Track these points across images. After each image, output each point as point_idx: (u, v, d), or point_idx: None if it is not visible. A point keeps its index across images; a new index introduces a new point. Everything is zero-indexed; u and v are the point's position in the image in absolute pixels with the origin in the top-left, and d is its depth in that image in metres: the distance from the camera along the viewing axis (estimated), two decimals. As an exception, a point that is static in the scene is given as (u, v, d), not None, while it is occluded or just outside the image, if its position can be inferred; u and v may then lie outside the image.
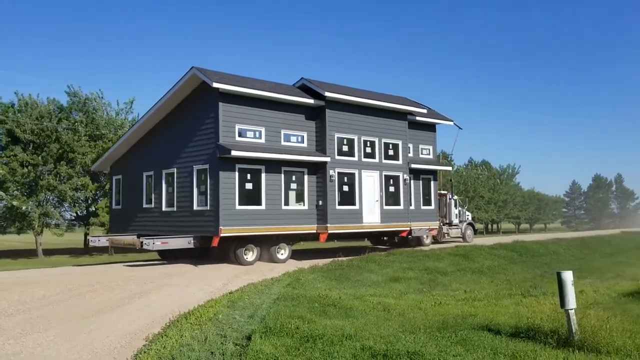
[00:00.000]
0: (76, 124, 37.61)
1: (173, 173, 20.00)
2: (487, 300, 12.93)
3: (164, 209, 20.47)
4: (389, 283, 15.70)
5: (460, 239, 28.76)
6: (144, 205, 21.60)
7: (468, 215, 30.46)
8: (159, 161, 20.84)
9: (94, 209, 39.70)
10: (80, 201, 39.42)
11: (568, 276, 7.83)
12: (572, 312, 7.68)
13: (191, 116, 19.45)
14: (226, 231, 17.61)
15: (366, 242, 28.16)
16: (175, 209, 19.88)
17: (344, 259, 19.26)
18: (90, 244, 21.77)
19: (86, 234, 41.56)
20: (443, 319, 9.88)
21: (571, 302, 7.67)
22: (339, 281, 15.24)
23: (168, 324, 9.15)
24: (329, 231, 20.03)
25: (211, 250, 18.98)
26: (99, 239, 21.38)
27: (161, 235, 19.03)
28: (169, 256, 20.21)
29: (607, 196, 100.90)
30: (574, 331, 7.59)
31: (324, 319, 9.53)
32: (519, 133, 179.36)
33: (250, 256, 18.61)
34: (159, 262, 19.89)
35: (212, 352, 7.40)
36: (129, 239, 20.15)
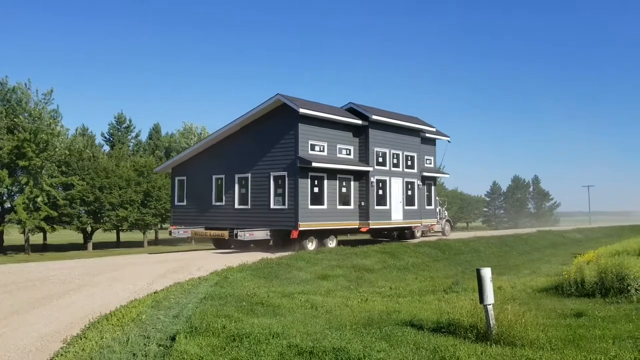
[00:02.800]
0: None
1: (247, 177, 24.35)
2: (411, 297, 13.28)
3: (236, 206, 24.65)
4: (318, 281, 15.80)
5: (440, 233, 33.45)
6: (214, 203, 25.68)
7: (446, 213, 35.57)
8: (231, 167, 25.05)
9: (10, 205, 37.63)
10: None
11: (487, 273, 8.14)
12: (490, 307, 7.99)
13: (269, 132, 23.64)
14: (303, 226, 22.24)
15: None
16: (249, 206, 24.13)
17: (274, 256, 19.23)
18: (172, 235, 26.26)
19: (0, 232, 39.36)
20: (369, 315, 10.06)
21: (489, 297, 7.98)
22: (268, 279, 15.19)
23: (88, 326, 8.80)
24: (370, 226, 25.05)
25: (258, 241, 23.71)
26: (179, 231, 25.58)
27: (230, 227, 23.55)
28: (237, 246, 24.66)
29: (525, 196, 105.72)
30: (491, 325, 7.90)
31: (251, 317, 9.48)
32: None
33: (310, 245, 22.94)
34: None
35: (134, 354, 7.19)
36: (216, 231, 24.24)
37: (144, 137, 76.67)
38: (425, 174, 29.23)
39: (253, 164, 24.20)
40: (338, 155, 24.34)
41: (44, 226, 38.15)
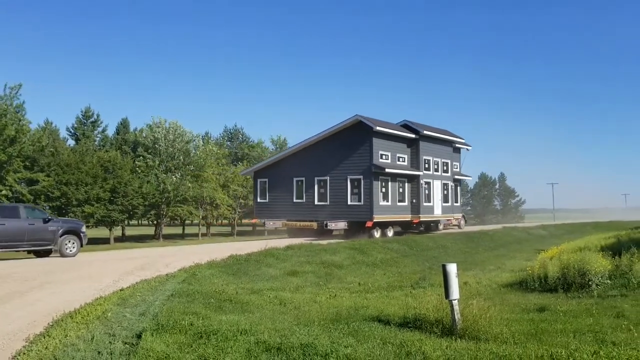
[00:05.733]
0: None
1: (326, 179, 30.52)
2: (379, 292, 13.41)
3: (316, 202, 30.68)
4: (287, 277, 15.81)
5: (457, 227, 38.59)
6: (294, 200, 31.62)
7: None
8: (311, 171, 31.03)
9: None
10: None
11: (452, 268, 8.27)
12: (455, 302, 8.11)
13: (346, 143, 29.89)
14: (376, 218, 28.41)
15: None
16: (328, 203, 30.25)
17: (243, 253, 19.14)
18: (265, 226, 33.03)
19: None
20: (337, 311, 10.12)
21: (455, 293, 8.10)
22: (237, 276, 15.13)
23: (51, 324, 8.61)
24: (421, 219, 31.81)
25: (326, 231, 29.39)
26: (270, 222, 31.85)
27: (310, 220, 29.82)
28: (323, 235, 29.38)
29: (491, 193, 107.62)
30: (456, 320, 8.02)
31: (219, 314, 9.43)
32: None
33: (376, 234, 28.55)
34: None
35: (99, 352, 7.08)
36: (304, 222, 30.12)
37: (112, 132, 75.29)
38: (455, 177, 35.92)
39: (331, 169, 30.33)
40: (397, 162, 30.75)
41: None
